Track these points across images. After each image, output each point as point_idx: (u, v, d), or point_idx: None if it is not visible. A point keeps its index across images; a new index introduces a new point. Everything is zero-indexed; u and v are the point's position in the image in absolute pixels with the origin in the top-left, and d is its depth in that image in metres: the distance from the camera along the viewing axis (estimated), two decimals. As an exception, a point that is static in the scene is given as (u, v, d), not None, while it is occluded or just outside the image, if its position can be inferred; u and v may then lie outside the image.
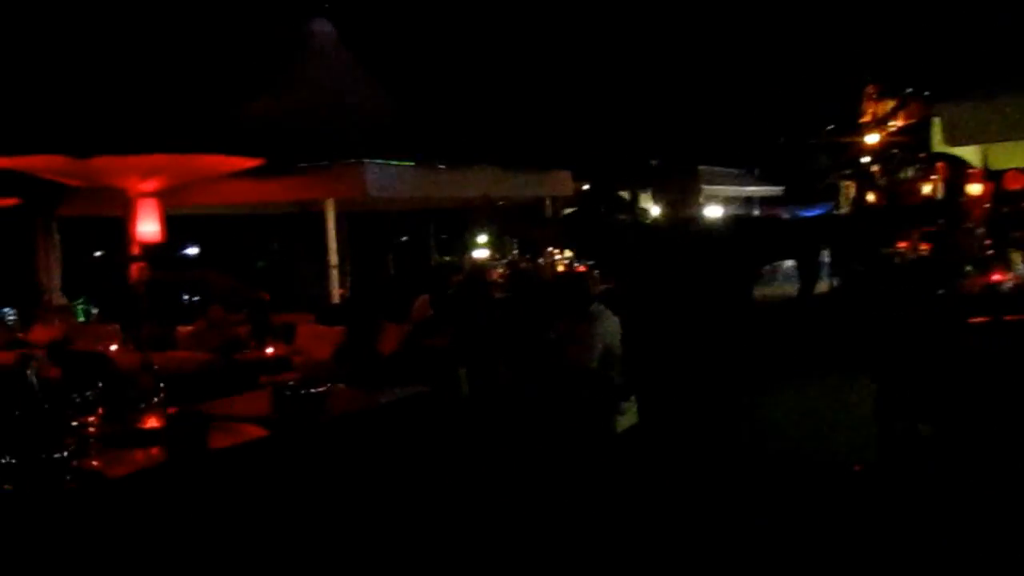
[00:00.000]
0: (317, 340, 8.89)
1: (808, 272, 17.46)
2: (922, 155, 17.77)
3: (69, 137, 8.76)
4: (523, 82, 19.99)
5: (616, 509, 5.47)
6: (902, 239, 14.19)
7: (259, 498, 4.03)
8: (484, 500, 5.56)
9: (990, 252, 9.50)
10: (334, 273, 11.38)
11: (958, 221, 13.12)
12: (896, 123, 20.36)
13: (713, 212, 22.20)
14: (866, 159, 22.06)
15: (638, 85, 22.09)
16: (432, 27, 18.81)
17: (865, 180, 22.41)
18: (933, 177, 17.85)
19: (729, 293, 3.57)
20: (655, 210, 20.98)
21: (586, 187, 20.52)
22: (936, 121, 7.59)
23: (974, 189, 13.58)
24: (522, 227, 14.63)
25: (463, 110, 16.13)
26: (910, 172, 19.60)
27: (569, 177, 13.72)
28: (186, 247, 21.78)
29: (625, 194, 23.65)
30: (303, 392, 4.47)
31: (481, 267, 12.61)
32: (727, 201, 25.95)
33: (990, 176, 12.75)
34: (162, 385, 4.04)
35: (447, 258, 18.66)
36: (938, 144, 7.70)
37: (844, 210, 23.91)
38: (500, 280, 12.22)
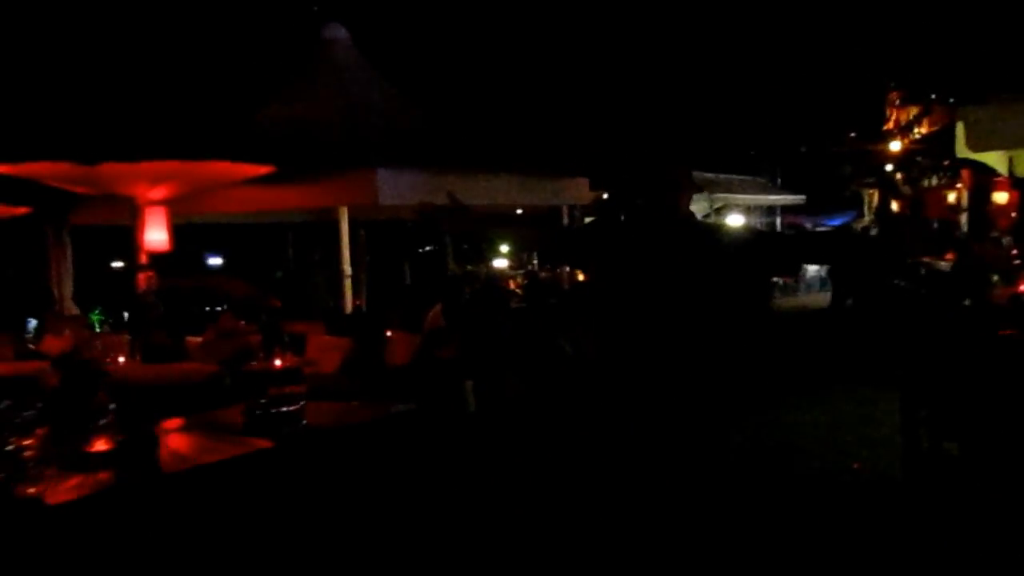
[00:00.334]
0: (326, 351, 8.75)
1: (842, 283, 17.10)
2: (946, 162, 17.46)
3: (78, 144, 8.69)
4: (543, 89, 19.90)
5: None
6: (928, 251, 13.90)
7: (214, 525, 3.79)
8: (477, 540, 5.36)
9: (1017, 262, 9.28)
10: (348, 282, 11.27)
11: (984, 230, 12.85)
12: (920, 130, 20.09)
13: (734, 220, 21.99)
14: (889, 167, 21.77)
15: (658, 93, 21.96)
16: (446, 34, 18.77)
17: (888, 188, 22.12)
18: (958, 185, 17.54)
19: (734, 302, 3.37)
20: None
21: (605, 196, 20.36)
22: (960, 126, 7.43)
23: (1000, 198, 13.32)
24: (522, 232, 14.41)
25: (478, 117, 16.04)
26: (934, 180, 19.30)
27: (586, 185, 13.50)
28: (209, 257, 21.80)
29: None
30: (273, 411, 4.27)
31: (496, 276, 12.47)
32: (748, 210, 25.70)
33: (1017, 184, 12.47)
34: (112, 407, 3.81)
35: (469, 267, 18.55)
36: (962, 150, 7.53)
37: (868, 220, 23.62)
38: (518, 290, 12.09)
